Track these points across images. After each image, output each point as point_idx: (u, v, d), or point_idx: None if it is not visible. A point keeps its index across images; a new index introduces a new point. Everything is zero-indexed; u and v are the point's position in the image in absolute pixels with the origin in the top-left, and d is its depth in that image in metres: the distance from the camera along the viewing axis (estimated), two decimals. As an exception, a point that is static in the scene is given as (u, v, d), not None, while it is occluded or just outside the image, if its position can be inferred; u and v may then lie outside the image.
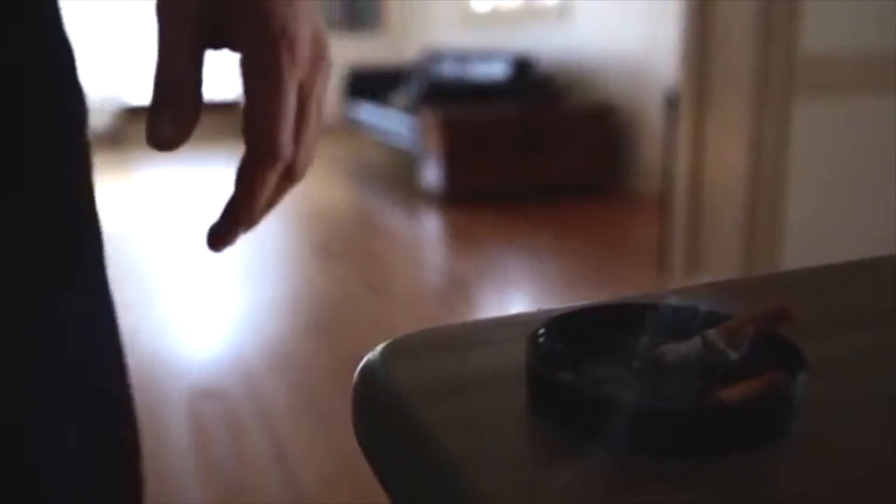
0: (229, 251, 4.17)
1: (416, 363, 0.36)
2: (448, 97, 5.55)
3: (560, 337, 0.36)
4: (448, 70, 6.59)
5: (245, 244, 4.28)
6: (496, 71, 5.90)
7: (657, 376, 0.33)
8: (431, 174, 5.16)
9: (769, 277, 0.48)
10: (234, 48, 0.44)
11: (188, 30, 0.42)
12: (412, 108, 5.81)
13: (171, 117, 0.41)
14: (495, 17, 6.68)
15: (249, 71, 0.43)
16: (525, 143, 5.08)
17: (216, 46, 0.44)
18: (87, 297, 0.50)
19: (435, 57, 6.93)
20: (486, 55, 6.19)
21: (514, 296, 3.37)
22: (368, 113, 6.69)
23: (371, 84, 7.13)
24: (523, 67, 5.72)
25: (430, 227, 4.71)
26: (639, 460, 0.28)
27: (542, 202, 4.97)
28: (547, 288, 3.43)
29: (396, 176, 6.05)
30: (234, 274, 3.76)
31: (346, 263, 3.95)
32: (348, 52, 8.05)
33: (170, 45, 0.42)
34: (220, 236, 0.45)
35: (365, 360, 0.37)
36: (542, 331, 0.35)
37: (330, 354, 2.83)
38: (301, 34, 0.43)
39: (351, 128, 7.22)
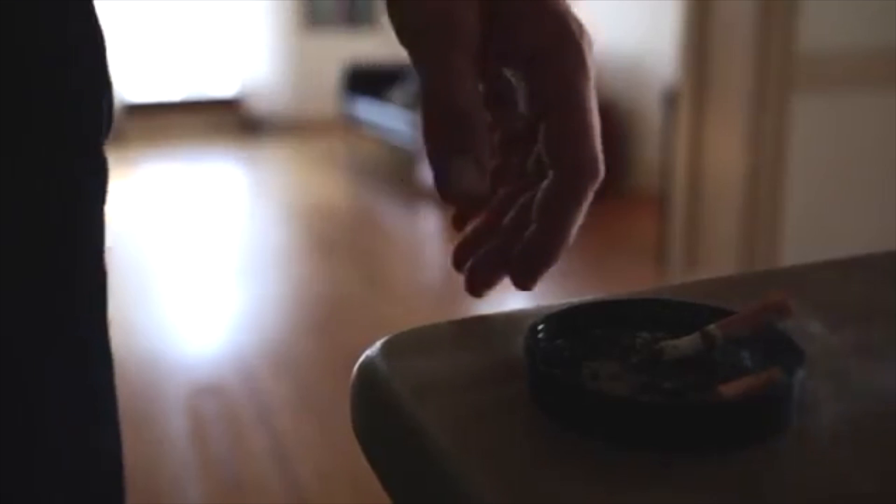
0: (226, 249, 4.17)
1: (415, 359, 0.36)
2: (447, 94, 5.54)
3: (559, 333, 0.36)
4: (447, 67, 6.58)
5: (243, 242, 4.28)
6: (495, 67, 5.89)
7: (656, 372, 0.33)
8: (430, 171, 5.16)
9: (768, 273, 0.48)
10: (516, 60, 0.37)
11: (471, 49, 0.35)
12: (411, 105, 5.80)
13: (475, 163, 0.34)
14: (494, 14, 6.66)
15: (553, 80, 0.36)
16: (524, 140, 5.08)
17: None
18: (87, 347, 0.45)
19: (434, 54, 6.92)
20: (484, 52, 6.18)
21: (513, 292, 3.36)
22: (367, 110, 6.69)
23: (370, 81, 7.12)
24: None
25: (428, 224, 4.71)
26: (637, 457, 0.28)
27: (540, 199, 4.96)
28: (546, 284, 3.43)
29: (395, 173, 6.04)
30: (233, 271, 3.76)
31: (344, 260, 3.95)
32: (347, 48, 8.04)
33: (454, 71, 0.34)
34: (528, 277, 0.38)
35: (363, 356, 0.37)
36: (540, 327, 0.35)
37: (329, 351, 2.83)
38: (588, 29, 0.37)
39: (349, 124, 7.22)
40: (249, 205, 5.24)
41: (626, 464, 0.28)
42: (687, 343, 0.33)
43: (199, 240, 4.25)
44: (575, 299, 0.40)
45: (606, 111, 5.16)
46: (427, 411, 0.32)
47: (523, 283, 0.38)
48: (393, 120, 6.00)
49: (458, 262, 0.41)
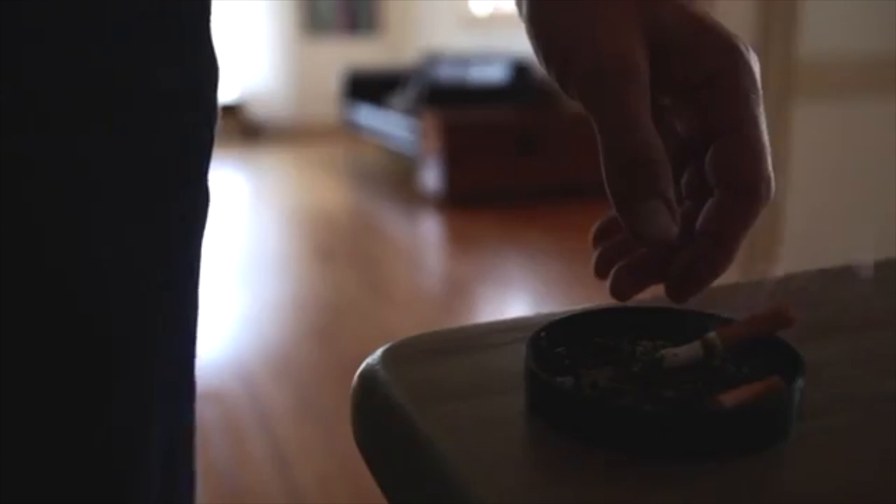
0: (226, 255, 4.16)
1: (416, 367, 0.36)
2: (447, 100, 5.56)
3: (560, 340, 0.36)
4: (447, 73, 6.60)
5: (244, 247, 4.28)
6: (495, 74, 5.91)
7: (656, 380, 0.33)
8: (431, 177, 5.16)
9: (768, 281, 0.48)
10: (686, 87, 0.37)
11: (647, 90, 0.35)
12: (412, 111, 5.81)
13: (666, 205, 0.34)
14: (494, 20, 6.68)
15: (728, 103, 0.36)
16: (524, 146, 5.08)
17: None
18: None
19: (434, 60, 6.93)
20: (485, 58, 6.19)
21: (514, 299, 3.37)
22: (368, 116, 6.70)
23: (370, 87, 7.13)
24: (522, 70, 5.73)
25: (429, 230, 4.71)
26: (638, 465, 0.28)
27: (541, 205, 4.97)
28: (547, 291, 3.43)
29: (396, 179, 6.05)
30: (234, 277, 3.76)
31: (345, 267, 3.95)
32: (347, 54, 8.05)
33: (637, 116, 0.34)
34: (687, 292, 0.37)
35: (364, 364, 0.37)
36: (541, 334, 0.35)
37: (329, 358, 2.83)
38: (753, 57, 0.37)
39: (350, 130, 7.22)
40: (250, 210, 5.24)
41: (627, 472, 0.28)
42: (687, 351, 0.34)
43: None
44: (576, 306, 0.40)
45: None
46: (427, 419, 0.32)
47: (680, 297, 0.37)
48: (393, 126, 6.01)
49: (599, 269, 0.41)
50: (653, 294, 0.40)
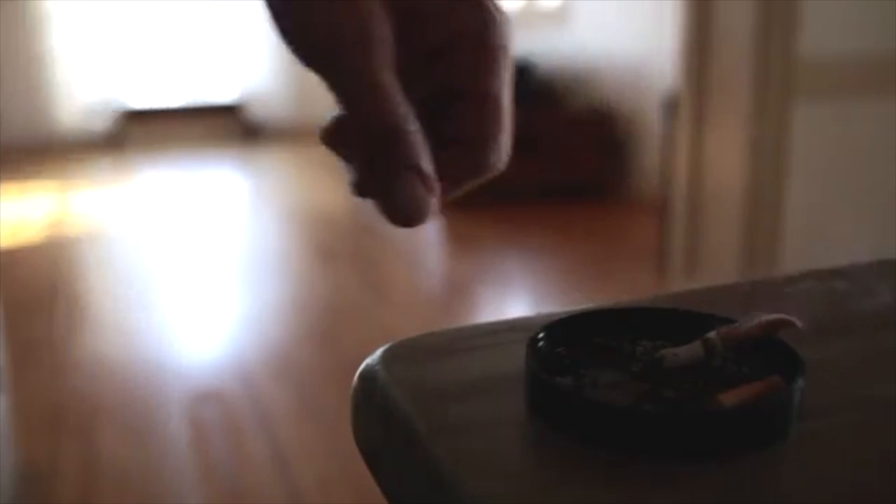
0: (226, 256, 4.15)
1: (415, 367, 0.36)
2: (447, 100, 5.55)
3: (560, 341, 0.36)
4: (447, 73, 6.59)
5: (244, 248, 4.28)
6: (495, 74, 5.90)
7: (656, 380, 0.33)
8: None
9: (768, 281, 0.48)
10: (433, 52, 0.36)
11: (391, 58, 0.33)
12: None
13: (419, 178, 0.33)
14: (494, 21, 6.68)
15: (472, 70, 0.36)
16: (524, 147, 5.08)
17: None
18: None
19: (434, 60, 6.93)
20: (485, 58, 6.18)
21: (514, 299, 3.37)
22: (368, 116, 6.69)
23: (370, 87, 7.12)
24: (522, 71, 5.72)
25: (429, 231, 4.71)
26: (638, 465, 0.28)
27: (541, 205, 4.97)
28: (546, 291, 3.43)
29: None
30: (234, 277, 3.76)
31: (345, 267, 3.95)
32: (347, 55, 8.05)
33: (382, 86, 0.33)
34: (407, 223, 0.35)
35: (364, 364, 0.37)
36: (541, 334, 0.35)
37: (329, 358, 2.83)
38: (504, 15, 0.36)
39: (350, 131, 7.21)
40: (250, 211, 5.24)
41: (626, 472, 0.28)
42: (687, 351, 0.33)
43: (200, 246, 4.25)
44: (576, 307, 0.40)
45: (606, 117, 5.16)
46: (427, 419, 0.32)
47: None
48: (393, 126, 6.00)
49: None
50: (653, 294, 0.40)
